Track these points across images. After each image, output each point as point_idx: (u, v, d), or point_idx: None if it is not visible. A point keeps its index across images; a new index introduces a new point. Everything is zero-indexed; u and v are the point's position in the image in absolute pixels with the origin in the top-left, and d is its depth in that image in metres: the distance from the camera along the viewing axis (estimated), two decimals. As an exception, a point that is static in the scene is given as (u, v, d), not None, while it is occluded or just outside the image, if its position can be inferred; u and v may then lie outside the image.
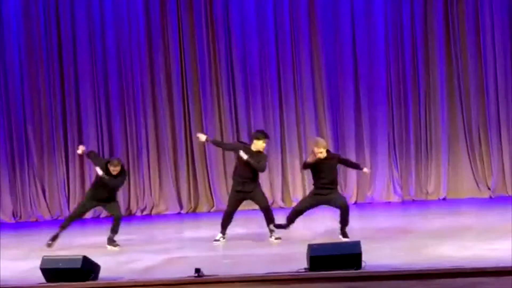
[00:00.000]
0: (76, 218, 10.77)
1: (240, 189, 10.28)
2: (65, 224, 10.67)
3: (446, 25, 13.77)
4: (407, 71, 13.91)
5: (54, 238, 10.55)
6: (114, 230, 10.51)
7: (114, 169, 10.32)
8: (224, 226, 10.38)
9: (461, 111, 13.82)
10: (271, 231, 10.22)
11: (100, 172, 10.34)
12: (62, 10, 14.26)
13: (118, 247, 10.40)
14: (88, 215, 14.01)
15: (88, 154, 11.01)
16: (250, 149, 10.23)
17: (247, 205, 13.86)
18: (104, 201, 10.58)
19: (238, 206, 10.43)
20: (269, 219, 10.28)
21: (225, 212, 10.48)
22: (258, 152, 10.20)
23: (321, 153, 9.64)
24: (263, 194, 10.46)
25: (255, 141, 10.23)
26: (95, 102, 14.36)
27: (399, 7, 13.83)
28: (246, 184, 10.22)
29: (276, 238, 10.14)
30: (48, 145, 14.31)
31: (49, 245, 10.45)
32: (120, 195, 14.16)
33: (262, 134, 10.33)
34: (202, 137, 10.84)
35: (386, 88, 13.96)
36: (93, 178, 14.09)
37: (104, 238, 10.58)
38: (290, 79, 14.12)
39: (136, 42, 14.29)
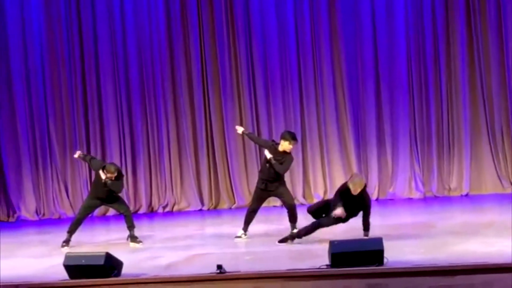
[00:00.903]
0: (82, 220, 10.75)
1: (263, 188, 10.30)
2: (73, 228, 10.66)
3: (467, 19, 13.68)
4: (429, 66, 13.84)
5: (66, 242, 10.59)
6: (131, 226, 10.56)
7: (112, 176, 10.42)
8: (247, 223, 10.40)
9: (484, 106, 13.73)
10: (293, 228, 10.21)
11: (103, 176, 10.43)
12: (83, 9, 14.33)
13: (141, 243, 10.45)
14: (110, 212, 14.16)
15: (84, 157, 11.21)
16: (277, 149, 10.21)
17: (268, 202, 13.97)
18: (106, 200, 10.66)
19: (261, 203, 10.45)
20: (292, 217, 10.25)
21: (248, 209, 10.52)
22: (284, 152, 10.16)
23: (355, 190, 9.46)
24: (288, 192, 10.43)
25: (281, 142, 10.20)
26: (117, 100, 14.42)
27: (420, 3, 13.76)
28: (269, 183, 10.23)
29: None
30: (70, 143, 14.40)
31: (63, 247, 10.51)
32: (142, 192, 14.36)
33: (289, 135, 10.24)
34: (240, 129, 10.93)
35: (408, 83, 13.90)
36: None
37: (126, 235, 10.63)
38: (311, 75, 14.10)
39: (156, 38, 14.33)
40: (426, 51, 13.81)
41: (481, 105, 13.76)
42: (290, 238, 9.78)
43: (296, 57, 14.11)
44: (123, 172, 14.26)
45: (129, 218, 10.58)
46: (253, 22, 14.11)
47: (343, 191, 9.42)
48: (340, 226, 10.16)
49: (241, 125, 14.03)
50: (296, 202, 13.87)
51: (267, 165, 10.19)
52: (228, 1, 14.13)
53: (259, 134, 14.10)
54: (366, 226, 9.34)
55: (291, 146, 10.14)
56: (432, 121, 13.87)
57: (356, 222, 9.82)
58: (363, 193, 9.41)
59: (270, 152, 10.15)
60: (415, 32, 13.84)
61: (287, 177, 13.82)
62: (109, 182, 10.42)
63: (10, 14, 14.37)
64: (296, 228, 10.18)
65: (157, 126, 14.42)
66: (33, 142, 14.52)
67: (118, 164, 14.20)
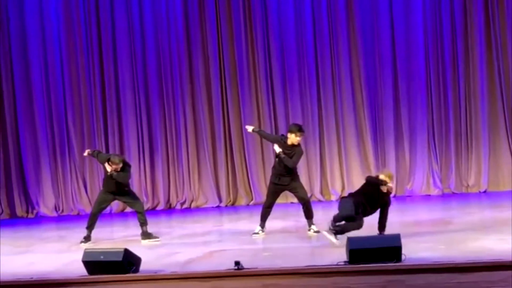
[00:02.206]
0: (97, 215, 10.72)
1: (277, 182, 10.31)
2: (90, 223, 10.67)
3: (486, 15, 13.63)
4: (447, 63, 13.79)
5: (86, 239, 10.62)
6: (143, 223, 10.55)
7: (117, 167, 10.42)
8: (263, 218, 10.41)
9: (502, 103, 13.67)
10: (310, 224, 10.22)
11: (109, 168, 10.46)
12: (102, 8, 14.39)
13: (157, 240, 10.47)
14: (129, 208, 14.20)
15: (92, 153, 11.19)
16: (286, 142, 10.22)
17: (285, 198, 14.00)
18: (117, 194, 10.64)
19: (275, 198, 10.45)
20: (308, 213, 10.28)
21: (264, 204, 10.52)
22: (293, 146, 10.17)
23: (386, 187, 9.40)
24: (301, 187, 10.43)
25: (288, 135, 10.22)
26: (135, 96, 14.48)
27: (438, 1, 13.71)
28: (282, 177, 10.23)
29: (315, 231, 10.14)
30: (89, 140, 14.48)
31: (82, 243, 10.55)
32: (160, 189, 14.40)
33: (296, 127, 10.24)
34: (249, 128, 10.99)
35: (426, 80, 13.86)
36: (132, 174, 14.38)
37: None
38: (329, 72, 14.09)
39: (174, 34, 14.36)
40: (444, 47, 13.76)
41: (499, 102, 13.70)
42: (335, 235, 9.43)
43: (313, 53, 14.10)
44: (142, 168, 14.39)
45: (141, 215, 10.57)
46: (271, 17, 14.12)
47: (371, 183, 9.34)
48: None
49: (259, 121, 14.09)
50: (313, 198, 14.02)
51: (277, 159, 10.21)
52: (246, 0, 14.13)
53: (276, 130, 14.12)
54: (382, 226, 9.30)
55: (298, 138, 10.12)
56: (450, 118, 13.83)
57: (374, 218, 9.80)
58: (387, 193, 9.35)
59: (280, 146, 10.16)
60: (433, 28, 13.79)
61: (304, 172, 13.99)
62: (114, 174, 10.43)
63: (28, 8, 14.46)
64: (313, 224, 10.18)
65: (175, 122, 14.46)
66: (51, 139, 14.61)
67: (136, 161, 14.34)
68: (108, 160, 10.51)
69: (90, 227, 10.66)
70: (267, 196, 10.58)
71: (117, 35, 14.43)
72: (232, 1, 14.17)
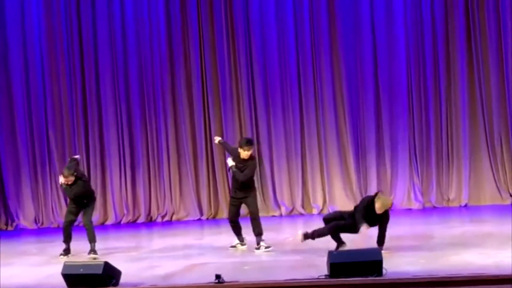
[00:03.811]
0: (68, 226, 10.52)
1: (233, 196, 10.24)
2: (65, 236, 10.53)
3: (467, 30, 13.71)
4: (428, 77, 13.86)
5: (66, 251, 10.50)
6: (91, 240, 10.32)
7: (67, 180, 10.26)
8: (235, 233, 10.33)
9: (483, 117, 13.74)
10: (258, 241, 10.04)
11: (61, 180, 10.36)
12: (83, 14, 14.34)
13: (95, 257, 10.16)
14: (110, 221, 14.19)
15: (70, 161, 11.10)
16: (240, 156, 10.04)
17: (266, 211, 14.00)
18: (78, 205, 10.46)
19: (235, 211, 10.24)
20: (255, 229, 10.04)
21: (228, 219, 10.43)
22: (246, 160, 9.98)
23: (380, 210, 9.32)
24: (254, 201, 10.14)
25: (239, 149, 10.04)
26: (116, 109, 14.43)
27: (419, 12, 13.80)
28: (238, 191, 10.11)
29: (266, 248, 9.96)
30: (69, 152, 14.37)
31: (61, 256, 10.44)
32: (141, 201, 14.33)
33: (244, 141, 10.07)
34: (216, 139, 11.00)
35: (407, 93, 13.91)
36: (112, 186, 14.30)
37: (127, 244, 10.61)
38: (310, 83, 14.11)
39: (157, 46, 14.35)
40: (426, 62, 13.84)
41: (480, 116, 13.78)
42: (304, 237, 9.51)
43: (296, 66, 14.13)
44: (123, 180, 14.31)
45: (90, 230, 10.33)
46: (253, 30, 14.13)
47: (367, 206, 9.29)
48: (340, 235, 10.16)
49: (240, 133, 14.08)
50: (295, 212, 14.02)
51: (232, 173, 10.16)
52: (228, 9, 14.16)
53: (258, 143, 14.12)
54: (381, 240, 9.26)
55: (246, 152, 9.92)
56: (431, 131, 13.88)
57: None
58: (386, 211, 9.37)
59: (234, 160, 10.05)
60: (415, 43, 13.87)
61: (286, 186, 13.99)
62: (64, 186, 10.37)
63: (9, 14, 14.37)
64: (262, 241, 10.02)
65: (156, 135, 14.43)
66: (32, 151, 14.53)
67: (118, 173, 14.28)
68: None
69: (65, 240, 10.56)
70: (228, 209, 10.54)
71: (99, 50, 14.36)
72: (215, 13, 14.17)
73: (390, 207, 9.38)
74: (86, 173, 14.27)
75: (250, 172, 10.01)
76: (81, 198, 10.46)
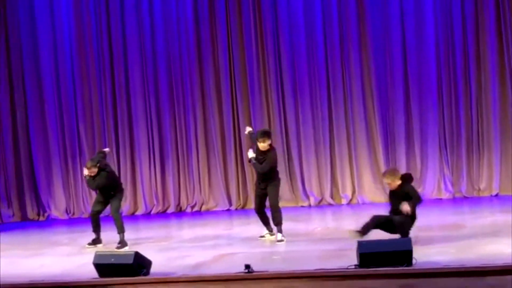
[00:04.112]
0: (95, 215, 10.61)
1: (257, 186, 10.32)
2: (93, 226, 10.62)
3: (497, 20, 13.55)
4: (458, 66, 13.74)
5: (94, 241, 10.59)
6: (119, 231, 10.39)
7: (90, 172, 10.35)
8: (263, 223, 10.41)
9: (513, 105, 13.62)
10: (278, 230, 10.09)
11: (85, 172, 10.45)
12: (112, 9, 14.44)
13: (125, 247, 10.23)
14: (140, 211, 14.29)
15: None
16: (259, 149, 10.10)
17: (296, 201, 14.00)
18: (105, 196, 10.54)
19: (259, 202, 10.31)
20: (274, 219, 10.11)
21: (254, 210, 10.49)
22: (265, 151, 10.01)
23: (389, 184, 9.40)
24: (274, 193, 10.15)
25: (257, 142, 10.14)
26: (145, 101, 14.51)
27: (449, 2, 13.67)
28: (260, 182, 10.19)
29: (279, 240, 9.98)
30: (99, 143, 14.51)
31: (90, 245, 10.53)
32: (171, 192, 14.41)
33: (259, 134, 10.09)
34: (247, 129, 11.08)
35: (437, 83, 13.81)
36: (142, 177, 14.39)
37: (158, 234, 10.66)
38: (339, 75, 14.05)
39: (185, 41, 14.39)
40: (455, 50, 13.71)
41: (510, 106, 13.63)
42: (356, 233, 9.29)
43: (324, 57, 14.07)
44: (152, 172, 14.39)
45: (117, 222, 10.42)
46: (281, 23, 14.10)
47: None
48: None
49: (269, 125, 14.07)
50: (324, 202, 14.00)
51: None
52: (256, 2, 14.15)
53: (286, 133, 14.12)
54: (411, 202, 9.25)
55: (263, 144, 9.95)
56: (461, 121, 13.77)
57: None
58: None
59: (256, 152, 10.09)
60: (445, 33, 13.74)
61: (315, 176, 13.98)
62: (87, 178, 10.46)
63: (39, 13, 14.52)
64: (281, 231, 10.05)
65: (185, 126, 14.48)
66: (63, 142, 14.66)
67: (147, 164, 14.36)
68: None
69: (94, 230, 10.65)
70: (254, 200, 10.59)
71: (128, 42, 14.47)
72: (243, 7, 14.17)
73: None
74: (116, 165, 14.41)
75: (268, 165, 10.03)
76: (106, 189, 10.54)
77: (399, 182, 9.29)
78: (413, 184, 9.53)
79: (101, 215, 10.74)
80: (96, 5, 14.48)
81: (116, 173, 13.99)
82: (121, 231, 10.41)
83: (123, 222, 10.51)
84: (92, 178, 10.42)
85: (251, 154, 10.12)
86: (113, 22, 14.48)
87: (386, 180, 9.46)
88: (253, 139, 10.65)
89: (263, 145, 9.96)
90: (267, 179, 10.11)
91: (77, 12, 14.52)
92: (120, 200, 10.76)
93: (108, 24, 14.50)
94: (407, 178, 9.44)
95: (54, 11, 14.56)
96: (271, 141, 10.10)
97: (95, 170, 10.37)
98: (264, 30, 14.16)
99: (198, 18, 14.35)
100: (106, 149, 11.78)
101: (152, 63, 14.48)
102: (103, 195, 10.60)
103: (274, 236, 10.31)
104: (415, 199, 9.14)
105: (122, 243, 10.33)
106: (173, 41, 14.41)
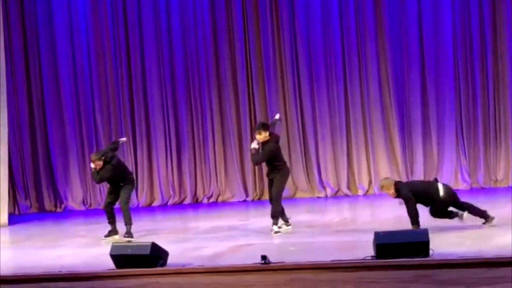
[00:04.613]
0: (108, 206, 10.56)
1: (267, 176, 10.37)
2: (108, 218, 10.58)
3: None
4: (475, 54, 13.66)
5: (110, 232, 10.50)
6: (126, 223, 10.35)
7: (95, 165, 10.32)
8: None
9: (531, 96, 13.53)
10: (286, 221, 10.18)
11: (91, 165, 10.45)
12: (129, 6, 14.45)
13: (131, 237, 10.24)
14: (157, 203, 14.32)
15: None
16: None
17: (312, 192, 13.99)
18: (116, 188, 10.53)
19: (271, 192, 10.31)
20: (271, 210, 10.12)
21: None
22: (264, 143, 10.10)
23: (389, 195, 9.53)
24: (278, 183, 10.14)
25: None
26: (162, 91, 14.53)
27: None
28: (269, 171, 10.26)
29: (275, 232, 9.99)
30: (116, 135, 14.54)
31: (106, 237, 10.52)
32: (187, 183, 14.43)
33: (256, 126, 10.28)
34: (276, 116, 11.18)
35: (454, 73, 13.74)
36: (159, 168, 14.41)
37: (174, 225, 10.66)
38: (355, 65, 14.01)
39: (201, 31, 14.38)
40: (472, 39, 13.63)
41: (528, 94, 13.57)
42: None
43: (340, 44, 14.03)
44: (169, 162, 14.42)
45: (125, 213, 10.37)
46: (297, 9, 14.06)
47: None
48: (385, 216, 10.13)
49: (285, 117, 14.05)
50: (340, 193, 13.99)
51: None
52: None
53: (303, 125, 14.11)
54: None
55: (258, 136, 10.07)
56: (478, 111, 13.70)
57: (402, 212, 9.76)
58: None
59: (257, 143, 10.17)
60: (461, 19, 13.66)
61: (331, 167, 13.95)
62: (92, 171, 10.47)
63: (56, 8, 14.55)
64: (275, 225, 10.04)
65: (201, 117, 14.49)
66: (79, 133, 14.72)
67: (163, 155, 14.39)
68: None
69: (109, 221, 10.61)
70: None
71: (144, 33, 14.47)
72: (259, 0, 14.15)
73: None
74: (132, 156, 14.43)
75: (261, 156, 10.15)
76: (114, 181, 10.51)
77: (393, 190, 9.37)
78: (415, 179, 9.63)
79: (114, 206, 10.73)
80: (113, 2, 14.47)
81: (130, 164, 14.16)
82: (128, 223, 10.36)
83: (131, 214, 10.43)
84: (97, 171, 10.42)
85: (254, 144, 10.20)
86: (129, 13, 14.49)
87: (384, 192, 9.46)
88: (271, 126, 10.72)
89: (259, 137, 10.10)
90: (273, 169, 10.17)
91: (94, 4, 14.54)
92: (130, 191, 10.64)
93: (124, 15, 14.52)
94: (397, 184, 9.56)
95: (71, 8, 14.57)
96: (269, 133, 10.12)
97: (100, 163, 10.32)
98: (281, 19, 14.13)
99: (214, 7, 14.34)
100: (123, 139, 11.79)
101: (169, 54, 14.49)
102: (113, 187, 10.62)
103: (290, 227, 10.31)
104: (408, 205, 9.31)
105: (129, 235, 10.31)
106: (189, 31, 14.41)
